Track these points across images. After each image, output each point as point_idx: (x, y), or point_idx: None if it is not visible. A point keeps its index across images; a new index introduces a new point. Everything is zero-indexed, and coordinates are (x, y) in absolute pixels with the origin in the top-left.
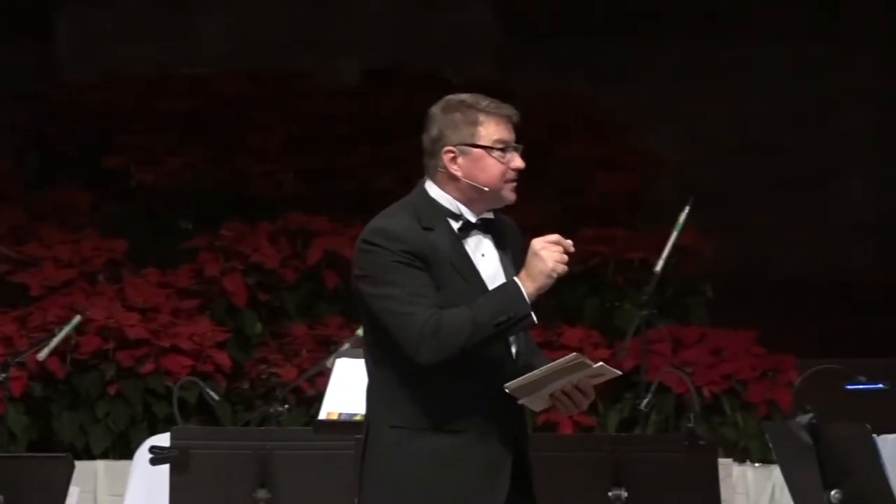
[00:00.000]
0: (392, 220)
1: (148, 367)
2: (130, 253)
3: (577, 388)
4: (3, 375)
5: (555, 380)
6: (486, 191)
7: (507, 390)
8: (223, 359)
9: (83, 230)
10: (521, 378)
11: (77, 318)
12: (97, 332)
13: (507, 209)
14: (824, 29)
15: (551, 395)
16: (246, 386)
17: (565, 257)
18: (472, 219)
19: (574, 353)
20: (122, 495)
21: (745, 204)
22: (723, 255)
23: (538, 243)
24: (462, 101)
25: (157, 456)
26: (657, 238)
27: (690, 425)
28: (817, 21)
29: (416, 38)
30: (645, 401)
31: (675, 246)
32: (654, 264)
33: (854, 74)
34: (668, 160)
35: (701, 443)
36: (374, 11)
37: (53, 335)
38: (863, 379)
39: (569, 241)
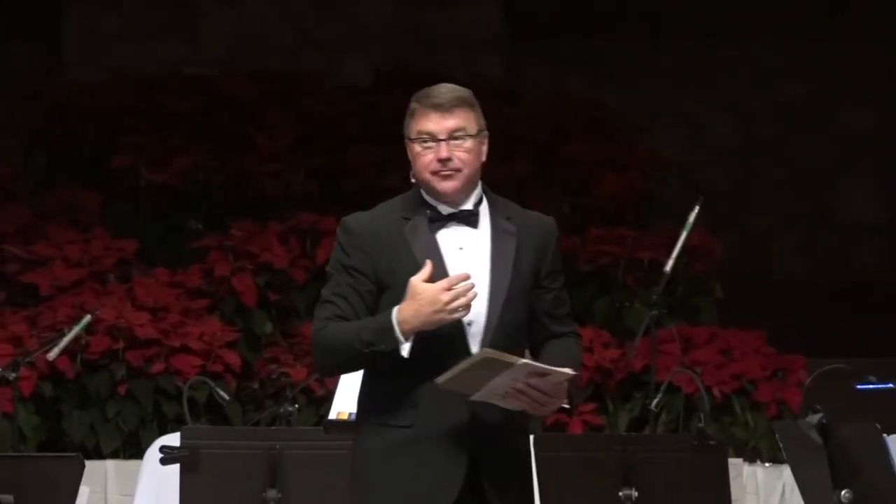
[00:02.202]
0: (364, 213)
1: (158, 367)
2: (140, 253)
3: (535, 388)
4: (13, 375)
5: (489, 377)
6: (424, 183)
7: (436, 383)
8: (233, 359)
9: (92, 230)
10: (447, 373)
11: (87, 318)
12: (107, 332)
13: None
14: (827, 29)
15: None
16: (256, 386)
17: (461, 301)
18: (445, 211)
19: (483, 350)
20: (132, 495)
21: (750, 204)
22: (732, 255)
23: (425, 288)
24: (416, 93)
25: (167, 456)
26: (666, 238)
27: (700, 425)
28: (820, 21)
29: (422, 37)
30: (655, 401)
31: (684, 246)
32: (663, 264)
33: (857, 75)
34: (671, 160)
35: (711, 443)
36: (379, 11)
37: (63, 335)
38: (873, 379)
39: (469, 283)
